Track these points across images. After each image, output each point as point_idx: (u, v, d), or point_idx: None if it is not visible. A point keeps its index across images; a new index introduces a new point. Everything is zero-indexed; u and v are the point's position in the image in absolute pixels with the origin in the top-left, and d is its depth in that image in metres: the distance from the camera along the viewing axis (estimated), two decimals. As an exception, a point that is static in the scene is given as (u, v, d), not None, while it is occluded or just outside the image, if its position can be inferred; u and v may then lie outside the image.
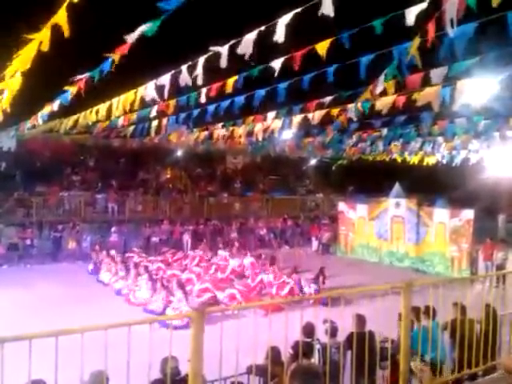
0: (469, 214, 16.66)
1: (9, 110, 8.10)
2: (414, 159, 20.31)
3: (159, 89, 7.90)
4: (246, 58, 5.61)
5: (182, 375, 4.79)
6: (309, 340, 5.55)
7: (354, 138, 15.06)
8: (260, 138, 13.60)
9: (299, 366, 3.82)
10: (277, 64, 6.64)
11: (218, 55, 6.11)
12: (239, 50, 5.62)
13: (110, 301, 12.65)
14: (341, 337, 5.64)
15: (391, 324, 5.28)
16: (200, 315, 3.32)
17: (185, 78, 6.67)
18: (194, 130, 16.06)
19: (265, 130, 13.06)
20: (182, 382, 4.29)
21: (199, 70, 6.35)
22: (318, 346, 5.64)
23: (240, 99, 9.61)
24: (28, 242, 19.00)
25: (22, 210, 20.87)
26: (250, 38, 5.58)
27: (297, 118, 11.29)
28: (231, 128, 14.28)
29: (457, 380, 5.63)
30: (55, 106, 8.82)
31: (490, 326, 5.65)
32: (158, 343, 3.33)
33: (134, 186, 25.49)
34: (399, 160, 20.92)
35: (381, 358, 4.73)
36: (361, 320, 5.90)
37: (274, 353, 4.84)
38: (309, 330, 5.80)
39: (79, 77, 7.23)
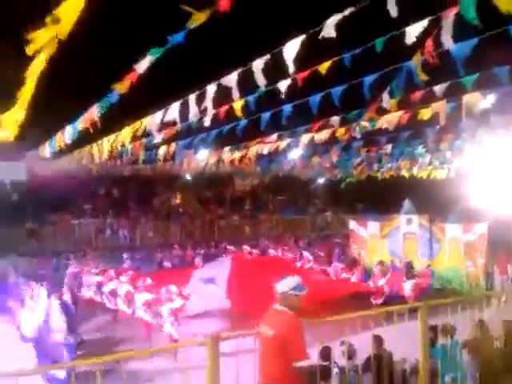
0: (482, 228, 16.41)
1: (18, 140, 8.24)
2: (422, 174, 20.23)
3: (166, 120, 8.04)
4: (260, 86, 5.75)
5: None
6: (326, 363, 5.45)
7: (362, 156, 15.07)
8: (267, 160, 13.68)
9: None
10: (283, 86, 6.73)
11: (228, 87, 6.26)
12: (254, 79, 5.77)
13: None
14: (359, 359, 5.55)
15: (409, 344, 5.18)
16: (214, 341, 3.28)
17: (194, 110, 6.80)
18: (203, 154, 16.21)
19: (272, 152, 13.13)
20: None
21: (208, 100, 6.48)
22: (335, 370, 5.53)
23: (246, 121, 9.72)
24: (40, 272, 19.00)
25: (33, 240, 21.01)
26: (259, 66, 5.71)
27: (303, 139, 11.35)
28: (239, 151, 14.38)
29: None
30: (66, 138, 8.94)
31: (510, 341, 5.52)
32: (174, 372, 3.29)
33: (144, 212, 25.62)
34: (407, 176, 20.85)
35: (400, 379, 4.62)
36: (378, 341, 5.80)
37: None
38: (326, 354, 5.70)
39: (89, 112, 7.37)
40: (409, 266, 14.87)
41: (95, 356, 3.25)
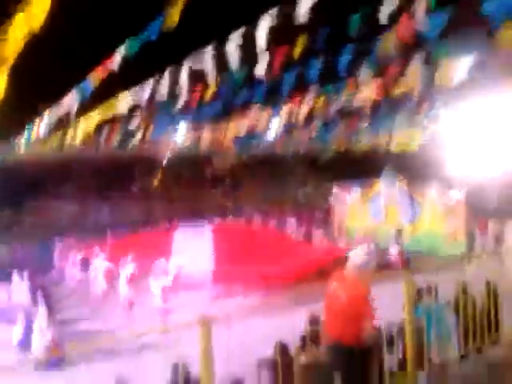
0: (457, 194, 16.93)
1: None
2: (400, 143, 20.49)
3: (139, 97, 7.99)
4: (232, 64, 5.75)
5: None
6: (315, 328, 5.60)
7: (340, 129, 15.22)
8: (247, 136, 13.72)
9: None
10: (260, 64, 6.72)
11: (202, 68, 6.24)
12: (227, 56, 5.75)
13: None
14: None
15: (394, 308, 5.37)
16: (207, 320, 3.37)
17: (170, 89, 6.77)
18: (181, 133, 16.13)
19: (252, 128, 13.16)
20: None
21: (183, 78, 6.45)
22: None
23: (224, 99, 9.70)
24: (20, 259, 18.63)
25: (14, 227, 20.70)
26: (233, 42, 5.69)
27: (283, 113, 11.39)
28: (217, 129, 14.36)
29: (465, 354, 5.75)
30: (42, 127, 8.80)
31: (491, 300, 5.76)
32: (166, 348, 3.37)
33: (125, 195, 25.51)
34: (386, 145, 21.10)
35: (387, 343, 4.82)
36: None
37: (282, 347, 4.94)
38: (314, 320, 5.86)
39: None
40: (398, 234, 15.48)
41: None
